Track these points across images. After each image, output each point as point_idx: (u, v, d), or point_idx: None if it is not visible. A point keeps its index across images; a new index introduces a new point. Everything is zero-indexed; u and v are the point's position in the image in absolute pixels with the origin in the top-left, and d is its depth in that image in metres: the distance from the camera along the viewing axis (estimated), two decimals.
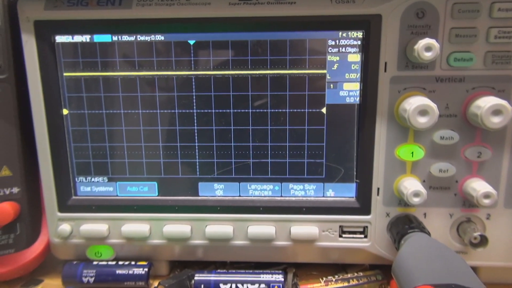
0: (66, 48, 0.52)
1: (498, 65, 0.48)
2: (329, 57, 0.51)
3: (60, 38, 0.52)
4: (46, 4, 0.50)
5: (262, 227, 0.54)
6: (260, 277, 0.53)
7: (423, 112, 0.46)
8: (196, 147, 0.54)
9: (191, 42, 0.51)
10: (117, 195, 0.56)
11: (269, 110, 0.52)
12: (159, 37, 0.51)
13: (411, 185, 0.49)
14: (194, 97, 0.53)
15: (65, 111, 0.54)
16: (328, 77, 0.51)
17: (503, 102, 0.45)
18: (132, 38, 0.52)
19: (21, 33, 0.51)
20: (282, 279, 0.53)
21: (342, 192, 0.54)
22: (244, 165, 0.54)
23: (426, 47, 0.45)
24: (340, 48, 0.50)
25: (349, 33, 0.50)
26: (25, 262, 0.56)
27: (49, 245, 0.58)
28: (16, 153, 0.53)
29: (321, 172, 0.54)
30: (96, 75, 0.53)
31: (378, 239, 0.54)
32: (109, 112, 0.54)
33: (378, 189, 0.52)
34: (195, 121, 0.53)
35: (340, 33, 0.50)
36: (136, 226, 0.55)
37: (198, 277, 0.54)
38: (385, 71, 0.49)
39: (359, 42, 0.50)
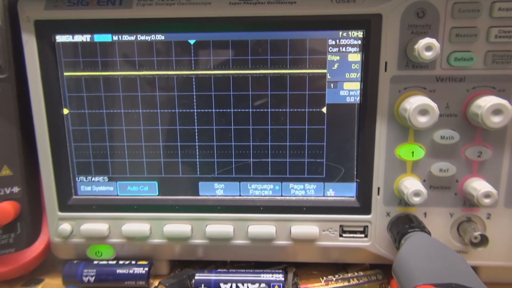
0: (67, 47, 0.52)
1: (498, 64, 0.48)
2: (329, 57, 0.51)
3: (60, 38, 0.52)
4: (46, 4, 0.50)
5: (262, 227, 0.54)
6: (260, 276, 0.53)
7: (423, 111, 0.46)
8: (197, 147, 0.54)
9: (192, 41, 0.51)
10: (117, 195, 0.56)
11: (269, 110, 0.52)
12: (160, 37, 0.51)
13: (411, 184, 0.49)
14: (194, 96, 0.53)
15: (65, 111, 0.54)
16: (328, 76, 0.51)
17: (504, 102, 0.45)
18: (132, 38, 0.52)
19: (22, 33, 0.51)
20: (283, 279, 0.53)
21: (343, 191, 0.54)
22: (244, 165, 0.54)
23: (427, 47, 0.45)
24: (341, 48, 0.50)
25: (350, 32, 0.50)
26: (25, 262, 0.56)
27: (49, 244, 0.58)
28: (17, 152, 0.53)
29: (321, 172, 0.54)
30: (97, 74, 0.53)
31: (379, 239, 0.54)
32: (109, 111, 0.54)
33: (379, 188, 0.52)
34: (196, 120, 0.53)
35: (341, 33, 0.50)
36: (136, 225, 0.55)
37: (198, 276, 0.54)
38: (385, 70, 0.49)
39: (359, 42, 0.50)
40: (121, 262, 0.56)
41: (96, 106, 0.54)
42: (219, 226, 0.55)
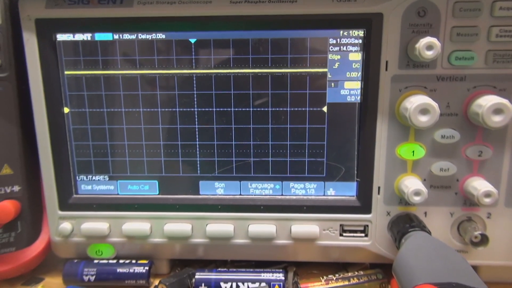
0: (67, 46, 0.52)
1: (499, 64, 0.48)
2: (330, 56, 0.51)
3: (61, 37, 0.52)
4: (47, 3, 0.50)
5: (262, 226, 0.54)
6: (260, 275, 0.53)
7: (424, 111, 0.46)
8: (197, 146, 0.54)
9: (192, 40, 0.51)
10: (118, 194, 0.57)
11: (270, 109, 0.52)
12: (160, 36, 0.51)
13: (412, 184, 0.49)
14: (195, 95, 0.53)
15: (66, 110, 0.54)
16: (329, 75, 0.51)
17: (504, 101, 0.45)
18: (133, 37, 0.52)
19: (22, 32, 0.51)
20: (283, 278, 0.53)
21: (343, 191, 0.54)
22: (245, 164, 0.54)
23: (427, 46, 0.45)
24: (341, 47, 0.50)
25: (350, 31, 0.50)
26: (26, 261, 0.56)
27: (50, 243, 0.58)
28: (17, 151, 0.53)
29: (321, 171, 0.54)
30: (97, 73, 0.53)
31: (379, 238, 0.54)
32: (110, 110, 0.54)
33: (379, 188, 0.52)
34: (196, 119, 0.53)
35: (341, 32, 0.50)
36: (137, 224, 0.55)
37: (198, 275, 0.54)
38: (386, 69, 0.49)
39: (360, 41, 0.50)
40: (121, 261, 0.56)
41: (97, 105, 0.54)
42: (220, 225, 0.55)
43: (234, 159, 0.54)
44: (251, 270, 0.55)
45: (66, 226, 0.56)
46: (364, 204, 0.53)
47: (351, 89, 0.51)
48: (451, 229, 0.53)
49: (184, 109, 0.53)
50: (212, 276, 0.53)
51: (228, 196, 0.56)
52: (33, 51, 0.51)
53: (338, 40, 0.50)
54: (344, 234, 0.54)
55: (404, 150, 0.51)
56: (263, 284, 0.52)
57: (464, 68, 0.48)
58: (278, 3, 0.49)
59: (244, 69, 0.52)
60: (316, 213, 0.54)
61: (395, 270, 0.43)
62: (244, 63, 0.51)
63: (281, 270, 0.54)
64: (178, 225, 0.55)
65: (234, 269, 0.55)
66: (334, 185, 0.54)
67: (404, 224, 0.50)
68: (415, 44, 0.46)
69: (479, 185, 0.49)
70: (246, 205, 0.55)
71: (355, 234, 0.54)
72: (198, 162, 0.55)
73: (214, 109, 0.53)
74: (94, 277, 0.55)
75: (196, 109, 0.53)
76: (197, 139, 0.54)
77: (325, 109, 0.52)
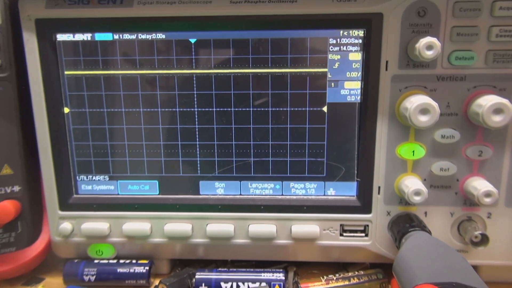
0: (67, 46, 0.52)
1: (499, 63, 0.48)
2: (330, 56, 0.51)
3: (61, 37, 0.52)
4: (47, 3, 0.50)
5: (263, 226, 0.54)
6: (261, 275, 0.53)
7: (424, 110, 0.46)
8: (197, 146, 0.54)
9: (192, 40, 0.51)
10: (118, 194, 0.57)
11: (270, 109, 0.52)
12: (160, 36, 0.51)
13: (412, 183, 0.49)
14: (195, 95, 0.53)
15: (66, 110, 0.54)
16: (329, 75, 0.51)
17: (505, 101, 0.45)
18: (133, 37, 0.52)
19: (23, 32, 0.51)
20: (283, 278, 0.53)
21: (343, 190, 0.54)
22: (245, 164, 0.54)
23: (428, 46, 0.45)
24: (341, 47, 0.50)
25: (350, 31, 0.50)
26: (26, 261, 0.56)
27: (50, 243, 0.58)
28: (17, 151, 0.53)
29: (322, 171, 0.54)
30: (97, 73, 0.53)
31: (379, 238, 0.54)
32: (110, 110, 0.54)
33: (379, 187, 0.52)
34: (196, 119, 0.53)
35: (341, 32, 0.50)
36: (137, 224, 0.55)
37: (199, 275, 0.54)
38: (386, 69, 0.49)
39: (360, 41, 0.50)
40: (121, 261, 0.56)
41: (97, 105, 0.54)
42: (220, 225, 0.55)
43: (234, 159, 0.54)
44: (252, 270, 0.55)
45: (66, 226, 0.56)
46: (364, 204, 0.53)
47: (351, 89, 0.51)
48: (451, 229, 0.53)
49: (184, 109, 0.53)
50: (213, 276, 0.53)
51: (228, 196, 0.56)
52: (33, 51, 0.51)
53: (338, 40, 0.50)
54: (344, 234, 0.54)
55: (404, 150, 0.51)
56: (264, 284, 0.52)
57: (464, 68, 0.48)
58: (278, 3, 0.49)
59: (244, 69, 0.52)
60: (316, 213, 0.54)
61: (395, 270, 0.43)
62: (244, 63, 0.51)
63: (281, 270, 0.54)
64: (178, 225, 0.55)
65: (235, 269, 0.55)
66: (334, 185, 0.54)
67: (404, 224, 0.50)
68: (415, 44, 0.46)
69: (479, 185, 0.49)
70: (246, 205, 0.55)
71: (355, 234, 0.54)
72: (198, 162, 0.55)
73: (214, 109, 0.53)
74: (94, 277, 0.55)
75: (196, 109, 0.53)
76: (197, 139, 0.54)
77: (325, 109, 0.52)
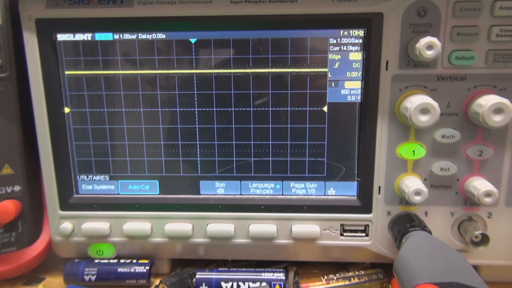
0: (68, 46, 0.52)
1: (499, 63, 0.48)
2: (330, 56, 0.51)
3: (61, 37, 0.52)
4: (47, 3, 0.50)
5: (263, 226, 0.54)
6: (261, 275, 0.53)
7: (424, 110, 0.46)
8: (198, 146, 0.54)
9: (193, 40, 0.51)
10: (118, 194, 0.57)
11: (270, 109, 0.52)
12: (161, 36, 0.51)
13: (412, 183, 0.49)
14: (195, 95, 0.53)
15: (66, 110, 0.54)
16: (329, 75, 0.51)
17: (505, 101, 0.45)
18: (133, 37, 0.52)
19: (23, 32, 0.51)
20: (284, 278, 0.53)
21: (343, 190, 0.54)
22: (245, 164, 0.54)
23: (428, 46, 0.45)
24: (342, 47, 0.50)
25: (351, 31, 0.50)
26: (26, 260, 0.56)
27: (50, 243, 0.58)
28: (18, 151, 0.53)
29: (322, 171, 0.54)
30: (98, 73, 0.53)
31: (380, 238, 0.54)
32: (110, 110, 0.54)
33: (380, 187, 0.52)
34: (197, 119, 0.53)
35: (342, 32, 0.50)
36: (137, 224, 0.55)
37: (199, 275, 0.54)
38: (386, 69, 0.49)
39: (360, 41, 0.50)
40: (122, 261, 0.57)
41: (97, 105, 0.54)
42: (220, 225, 0.55)
43: (234, 159, 0.54)
44: (252, 269, 0.55)
45: (66, 226, 0.56)
46: (364, 203, 0.53)
47: (351, 88, 0.51)
48: (452, 228, 0.53)
49: (185, 109, 0.53)
50: (213, 275, 0.54)
51: (228, 196, 0.56)
52: (34, 51, 0.51)
53: (339, 40, 0.50)
54: (344, 234, 0.54)
55: (404, 149, 0.51)
56: (264, 283, 0.52)
57: (464, 68, 0.48)
58: (278, 3, 0.49)
59: (245, 69, 0.52)
60: (316, 212, 0.54)
61: (396, 269, 0.43)
62: (245, 63, 0.51)
63: (281, 270, 0.54)
64: (178, 225, 0.55)
65: (235, 269, 0.55)
66: (335, 184, 0.54)
67: (405, 223, 0.50)
68: (416, 44, 0.46)
69: (479, 184, 0.49)
70: (246, 204, 0.55)
71: (355, 234, 0.54)
72: (199, 162, 0.55)
73: (214, 109, 0.53)
74: (95, 276, 0.55)
75: (196, 109, 0.53)
76: (197, 139, 0.54)
77: (325, 108, 0.52)
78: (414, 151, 0.50)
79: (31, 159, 0.55)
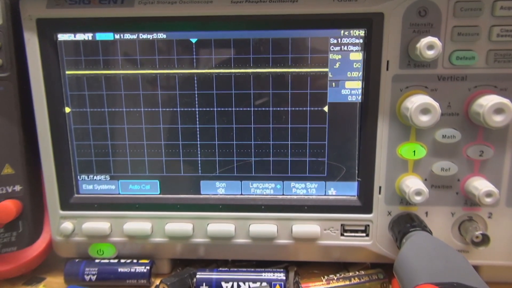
0: (68, 46, 0.52)
1: (500, 63, 0.48)
2: (331, 56, 0.51)
3: (62, 36, 0.52)
4: (48, 3, 0.50)
5: (263, 226, 0.54)
6: (261, 275, 0.53)
7: (425, 110, 0.46)
8: (198, 146, 0.54)
9: (193, 40, 0.51)
10: (119, 193, 0.57)
11: (271, 109, 0.52)
12: (161, 36, 0.51)
13: (413, 183, 0.49)
14: (196, 95, 0.53)
15: (67, 109, 0.54)
16: (330, 75, 0.51)
17: (505, 101, 0.45)
18: (134, 36, 0.52)
19: (24, 32, 0.51)
20: (284, 278, 0.53)
21: (344, 190, 0.54)
22: (246, 164, 0.54)
23: (428, 46, 0.45)
24: (342, 47, 0.50)
25: (351, 31, 0.50)
26: (27, 260, 0.56)
27: (51, 243, 0.58)
28: (19, 151, 0.53)
29: (322, 171, 0.54)
30: (98, 73, 0.53)
31: (380, 238, 0.54)
32: (111, 110, 0.54)
33: (380, 187, 0.52)
34: (197, 119, 0.53)
35: (342, 32, 0.50)
36: (138, 224, 0.55)
37: (200, 275, 0.54)
38: (387, 69, 0.49)
39: (361, 41, 0.50)
40: (122, 260, 0.57)
41: (98, 105, 0.54)
42: (221, 225, 0.55)
43: (235, 158, 0.54)
44: (252, 269, 0.55)
45: (67, 225, 0.56)
46: (365, 204, 0.53)
47: (352, 88, 0.51)
48: (452, 229, 0.53)
49: (185, 109, 0.53)
50: (213, 275, 0.54)
51: (229, 196, 0.56)
52: (34, 51, 0.51)
53: (339, 39, 0.50)
54: (345, 234, 0.54)
55: (405, 150, 0.51)
56: (264, 283, 0.52)
57: (465, 68, 0.48)
58: (279, 3, 0.49)
59: (245, 69, 0.52)
60: (317, 212, 0.54)
61: (396, 270, 0.43)
62: (245, 63, 0.51)
63: (282, 270, 0.54)
64: (179, 224, 0.55)
65: (235, 269, 0.55)
66: (335, 184, 0.54)
67: (405, 224, 0.50)
68: (416, 44, 0.46)
69: (480, 185, 0.49)
70: (247, 204, 0.55)
71: (356, 234, 0.54)
72: (199, 162, 0.55)
73: (215, 109, 0.53)
74: (95, 276, 0.55)
75: (197, 109, 0.53)
76: (198, 139, 0.54)
77: (326, 108, 0.52)
78: (414, 151, 0.50)
79: (31, 159, 0.55)
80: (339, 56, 0.51)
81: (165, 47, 0.52)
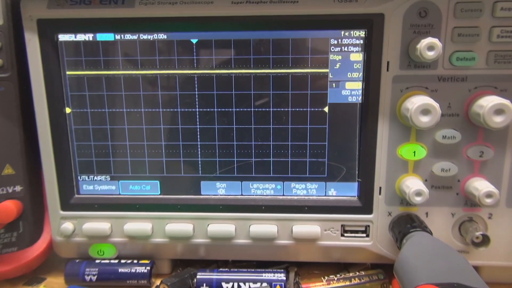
0: (69, 46, 0.52)
1: (500, 64, 0.48)
2: (331, 56, 0.51)
3: (63, 37, 0.52)
4: (49, 3, 0.50)
5: (264, 226, 0.54)
6: (262, 276, 0.53)
7: (425, 111, 0.46)
8: (199, 146, 0.54)
9: (194, 41, 0.51)
10: (119, 194, 0.57)
11: (271, 109, 0.53)
12: (162, 36, 0.52)
13: (413, 184, 0.49)
14: (196, 96, 0.53)
15: (68, 110, 0.54)
16: (330, 76, 0.51)
17: (506, 102, 0.45)
18: (134, 37, 0.52)
19: (24, 32, 0.51)
20: (284, 278, 0.53)
21: (344, 191, 0.54)
22: (246, 164, 0.54)
23: (429, 46, 0.45)
24: (343, 47, 0.50)
25: (352, 32, 0.50)
26: (27, 260, 0.56)
27: (51, 243, 0.58)
28: (19, 151, 0.53)
29: (323, 171, 0.54)
30: (99, 74, 0.53)
31: (380, 238, 0.54)
32: (111, 110, 0.54)
33: (380, 188, 0.52)
34: (198, 120, 0.53)
35: (343, 32, 0.50)
36: (138, 224, 0.55)
37: (200, 275, 0.54)
38: (387, 70, 0.49)
39: (361, 41, 0.50)
40: (123, 261, 0.57)
41: (98, 105, 0.54)
42: (221, 226, 0.55)
43: (235, 159, 0.54)
44: (253, 270, 0.55)
45: (67, 226, 0.56)
46: (365, 204, 0.53)
47: (352, 89, 0.51)
48: (453, 229, 0.53)
49: (186, 110, 0.53)
50: (214, 276, 0.54)
51: (229, 196, 0.56)
52: (35, 51, 0.51)
53: (340, 40, 0.50)
54: (345, 235, 0.54)
55: (405, 150, 0.51)
56: (265, 284, 0.52)
57: (465, 69, 0.48)
58: (280, 4, 0.49)
59: (246, 70, 0.52)
60: (317, 213, 0.54)
61: (397, 270, 0.43)
62: (246, 63, 0.51)
63: (282, 270, 0.54)
64: (179, 225, 0.55)
65: (236, 269, 0.55)
66: (336, 185, 0.54)
67: (406, 224, 0.50)
68: (416, 45, 0.46)
69: (480, 185, 0.49)
70: (247, 205, 0.55)
71: (356, 235, 0.54)
72: (200, 162, 0.55)
73: (215, 110, 0.53)
74: (95, 277, 0.55)
75: (197, 110, 0.53)
76: (198, 139, 0.54)
77: (326, 109, 0.52)
78: (415, 151, 0.50)
79: (32, 159, 0.55)
80: (340, 57, 0.51)
81: (165, 47, 0.52)
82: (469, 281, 0.37)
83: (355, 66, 0.51)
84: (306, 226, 0.54)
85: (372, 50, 0.49)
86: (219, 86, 0.52)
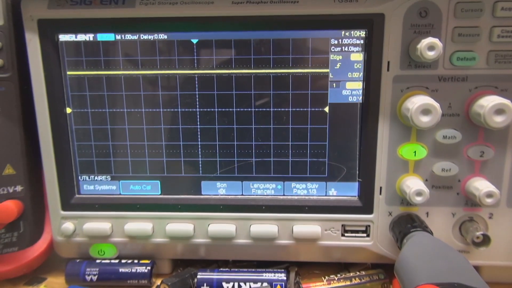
0: (70, 47, 0.52)
1: (501, 64, 0.48)
2: (331, 56, 0.51)
3: (63, 37, 0.52)
4: (49, 3, 0.50)
5: (264, 226, 0.54)
6: (262, 275, 0.53)
7: (426, 111, 0.46)
8: (199, 146, 0.54)
9: (194, 41, 0.51)
10: (120, 194, 0.57)
11: (271, 109, 0.53)
12: (162, 36, 0.52)
13: (413, 184, 0.49)
14: (197, 96, 0.53)
15: (68, 110, 0.54)
16: (330, 76, 0.51)
17: (506, 101, 0.45)
18: (135, 37, 0.52)
19: (25, 32, 0.51)
20: (285, 278, 0.53)
21: (345, 191, 0.54)
22: (246, 164, 0.54)
23: (429, 46, 0.45)
24: (343, 47, 0.50)
25: (352, 32, 0.50)
26: (28, 260, 0.56)
27: (52, 243, 0.58)
28: (20, 151, 0.53)
29: (323, 171, 0.54)
30: (99, 74, 0.53)
31: (381, 238, 0.54)
32: (112, 110, 0.54)
33: (381, 188, 0.52)
34: (198, 120, 0.53)
35: (343, 32, 0.50)
36: (139, 224, 0.55)
37: (200, 275, 0.54)
38: (388, 70, 0.49)
39: (362, 41, 0.50)
40: (123, 261, 0.57)
41: (99, 105, 0.54)
42: (222, 225, 0.55)
43: (236, 159, 0.54)
44: (253, 270, 0.55)
45: (68, 226, 0.56)
46: (365, 204, 0.53)
47: (352, 89, 0.51)
48: (453, 229, 0.53)
49: (186, 110, 0.53)
50: (214, 276, 0.54)
51: (230, 196, 0.56)
52: (36, 51, 0.51)
53: (340, 40, 0.50)
54: (346, 234, 0.54)
55: (405, 150, 0.51)
56: (265, 284, 0.52)
57: (465, 69, 0.48)
58: (280, 4, 0.49)
59: (246, 70, 0.52)
60: (318, 213, 0.54)
61: (397, 270, 0.43)
62: (246, 63, 0.51)
63: (283, 270, 0.54)
64: (180, 225, 0.55)
65: (236, 269, 0.55)
66: (336, 185, 0.54)
67: (406, 224, 0.50)
68: (417, 45, 0.46)
69: (480, 185, 0.49)
70: (248, 205, 0.55)
71: (357, 234, 0.54)
72: (200, 162, 0.55)
73: (216, 110, 0.53)
74: (96, 277, 0.55)
75: (198, 110, 0.53)
76: (199, 139, 0.54)
77: (326, 109, 0.52)
78: (415, 151, 0.50)
79: (33, 159, 0.55)
80: (340, 57, 0.51)
81: (166, 47, 0.52)
82: (470, 281, 0.37)
83: (356, 66, 0.51)
84: (307, 226, 0.54)
85: (372, 50, 0.49)
86: (220, 86, 0.52)
